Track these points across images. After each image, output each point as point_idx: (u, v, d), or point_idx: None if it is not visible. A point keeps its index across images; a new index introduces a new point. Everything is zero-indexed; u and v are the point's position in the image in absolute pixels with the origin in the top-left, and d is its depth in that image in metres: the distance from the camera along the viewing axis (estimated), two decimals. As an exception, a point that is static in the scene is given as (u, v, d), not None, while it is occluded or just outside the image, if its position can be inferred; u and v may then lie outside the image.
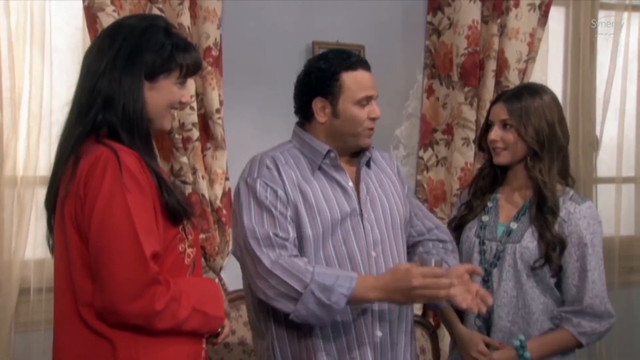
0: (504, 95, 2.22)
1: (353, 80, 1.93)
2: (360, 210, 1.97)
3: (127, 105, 1.65)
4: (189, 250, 1.73)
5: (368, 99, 1.95)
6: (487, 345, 2.15)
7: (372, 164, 2.07)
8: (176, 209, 1.67)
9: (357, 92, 1.93)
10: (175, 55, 1.69)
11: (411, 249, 2.14)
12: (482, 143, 2.28)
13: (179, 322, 1.63)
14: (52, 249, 1.72)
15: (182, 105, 1.76)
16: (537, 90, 2.20)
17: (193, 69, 1.75)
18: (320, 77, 1.94)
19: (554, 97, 2.21)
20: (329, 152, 1.97)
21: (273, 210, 1.89)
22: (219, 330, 1.77)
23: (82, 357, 1.63)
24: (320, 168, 1.98)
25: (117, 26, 1.74)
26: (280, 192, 1.91)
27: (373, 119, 1.96)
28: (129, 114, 1.65)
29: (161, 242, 1.64)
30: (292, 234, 1.89)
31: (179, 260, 1.70)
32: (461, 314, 2.26)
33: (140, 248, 1.56)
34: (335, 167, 1.99)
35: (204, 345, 1.76)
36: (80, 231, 1.60)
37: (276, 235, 1.86)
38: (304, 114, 2.00)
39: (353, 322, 1.94)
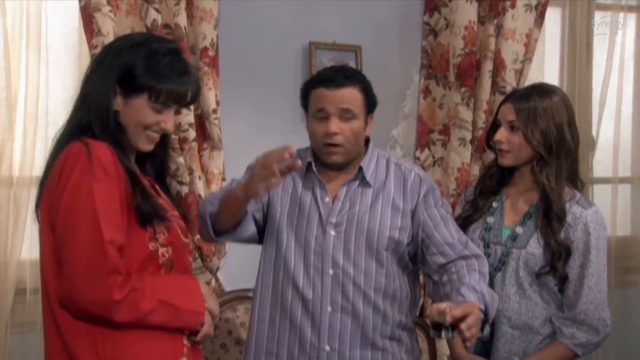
0: (513, 95, 2.18)
1: (313, 97, 2.00)
2: (325, 229, 2.00)
3: (95, 102, 1.69)
4: (162, 250, 1.71)
5: (322, 112, 1.97)
6: None
7: (372, 180, 2.04)
8: (145, 212, 1.67)
9: (313, 105, 2.00)
10: (146, 77, 1.67)
11: (440, 273, 2.01)
12: (490, 142, 2.24)
13: (141, 315, 1.62)
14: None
15: (162, 130, 1.74)
16: (547, 91, 2.15)
17: (171, 98, 1.70)
18: (301, 92, 2.07)
19: (564, 98, 2.16)
20: (309, 163, 2.05)
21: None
22: (199, 326, 1.74)
23: (55, 355, 1.66)
24: (307, 176, 2.05)
25: (120, 38, 1.80)
26: None
27: (327, 134, 1.96)
28: (97, 111, 1.68)
29: (125, 235, 1.64)
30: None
31: (151, 259, 1.69)
32: None
33: (100, 235, 1.57)
34: (316, 179, 2.04)
35: (185, 342, 1.73)
36: (52, 225, 1.62)
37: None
38: None
39: (300, 332, 1.97)
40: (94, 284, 1.57)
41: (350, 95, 1.97)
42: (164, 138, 1.81)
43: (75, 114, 1.72)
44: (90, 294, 1.57)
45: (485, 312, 1.87)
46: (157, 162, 1.86)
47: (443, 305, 1.75)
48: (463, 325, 1.73)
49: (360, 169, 2.03)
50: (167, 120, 1.72)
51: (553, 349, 2.12)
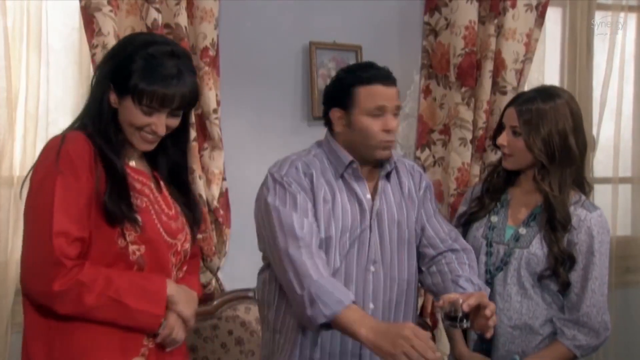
0: (517, 100, 2.16)
1: (366, 93, 1.95)
2: (370, 225, 2.00)
3: (91, 98, 1.75)
4: (133, 247, 1.71)
5: (380, 110, 1.96)
6: None
7: (392, 175, 2.08)
8: (110, 211, 1.67)
9: (368, 103, 1.95)
10: (132, 79, 1.68)
11: (428, 265, 2.09)
12: (495, 142, 2.23)
13: (85, 309, 1.63)
14: None
15: (153, 132, 1.73)
16: (552, 95, 2.12)
17: (156, 102, 1.69)
18: (338, 88, 1.99)
19: (569, 102, 2.12)
20: (351, 162, 2.00)
21: (298, 196, 1.92)
22: (159, 329, 1.72)
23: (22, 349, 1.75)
24: (342, 177, 2.01)
25: (125, 38, 1.87)
26: (305, 186, 1.95)
27: (387, 131, 1.96)
28: (91, 107, 1.74)
29: (87, 229, 1.66)
30: (313, 226, 1.91)
31: (121, 255, 1.70)
32: None
33: (49, 227, 1.60)
34: (356, 178, 2.02)
35: (145, 342, 1.72)
36: None
37: (300, 226, 1.88)
38: (326, 121, 2.06)
39: (341, 333, 1.94)
40: (37, 274, 1.62)
41: (397, 94, 2.02)
42: (178, 135, 1.82)
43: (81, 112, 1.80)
44: (33, 283, 1.64)
45: None
46: (170, 157, 1.86)
47: (454, 296, 1.80)
48: (487, 312, 1.78)
49: (395, 164, 2.07)
50: (158, 123, 1.72)
51: (553, 350, 2.12)
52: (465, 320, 1.78)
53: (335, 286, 1.83)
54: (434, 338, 2.88)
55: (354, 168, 2.01)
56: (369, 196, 2.02)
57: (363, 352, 1.96)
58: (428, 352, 1.63)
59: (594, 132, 3.45)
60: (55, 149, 1.66)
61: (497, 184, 2.24)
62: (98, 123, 1.72)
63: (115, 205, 1.67)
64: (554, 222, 2.09)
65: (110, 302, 1.64)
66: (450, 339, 2.29)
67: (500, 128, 2.20)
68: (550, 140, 2.07)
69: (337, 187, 2.00)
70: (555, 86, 2.29)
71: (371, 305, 1.97)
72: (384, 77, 1.98)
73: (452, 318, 1.78)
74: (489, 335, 1.84)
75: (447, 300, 1.80)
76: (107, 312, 1.65)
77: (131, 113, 1.71)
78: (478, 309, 1.81)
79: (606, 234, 2.13)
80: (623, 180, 3.61)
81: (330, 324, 1.80)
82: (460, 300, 1.78)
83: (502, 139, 2.15)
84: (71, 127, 1.77)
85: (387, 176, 2.07)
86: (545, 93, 2.14)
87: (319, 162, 2.02)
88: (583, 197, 2.16)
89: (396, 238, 2.03)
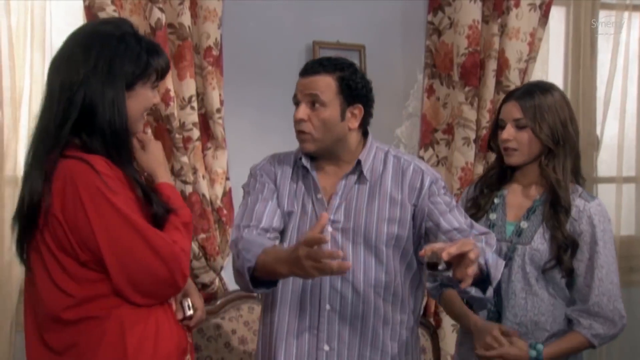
0: (515, 94, 2.17)
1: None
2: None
3: (113, 117, 1.66)
4: None
5: (294, 98, 1.97)
6: (503, 334, 2.08)
7: (368, 175, 1.99)
8: (160, 216, 1.72)
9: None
10: (151, 61, 1.72)
11: None
12: (491, 144, 2.23)
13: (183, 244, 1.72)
14: (27, 261, 1.73)
15: (154, 106, 1.83)
16: (548, 89, 2.16)
17: (165, 71, 1.79)
18: None
19: (563, 95, 2.19)
20: (300, 157, 2.01)
21: (259, 195, 1.99)
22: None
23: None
24: (297, 172, 2.02)
25: (89, 34, 1.71)
26: (272, 178, 2.03)
27: (295, 121, 1.95)
28: (114, 127, 1.66)
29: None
30: (268, 221, 1.96)
31: None
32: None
33: (148, 237, 1.64)
34: (308, 173, 2.01)
35: (189, 339, 1.80)
36: (64, 248, 1.64)
37: (246, 225, 1.95)
38: None
39: (298, 331, 1.95)
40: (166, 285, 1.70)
41: (321, 83, 1.92)
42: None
43: (60, 124, 1.65)
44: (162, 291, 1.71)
45: (488, 273, 1.85)
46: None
47: (438, 245, 1.72)
48: (472, 255, 1.67)
49: (359, 162, 1.98)
50: (157, 94, 1.84)
51: (571, 339, 2.12)
52: (446, 269, 1.72)
53: (258, 239, 1.89)
54: (437, 337, 2.88)
55: (303, 163, 2.00)
56: (320, 196, 1.97)
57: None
58: (323, 254, 1.63)
59: (598, 131, 3.45)
60: (88, 174, 1.61)
61: (492, 184, 2.25)
62: (125, 138, 1.70)
63: (161, 208, 1.73)
64: (557, 207, 2.11)
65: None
66: (459, 315, 2.22)
67: (496, 128, 2.20)
68: (555, 127, 2.11)
69: (296, 180, 2.01)
70: (544, 81, 2.34)
71: (327, 307, 1.93)
72: (305, 69, 1.97)
73: (433, 267, 1.73)
74: (463, 285, 1.73)
75: (430, 249, 1.72)
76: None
77: (146, 97, 1.74)
78: (462, 258, 1.70)
79: (607, 223, 2.14)
80: (627, 179, 3.60)
81: (262, 279, 1.84)
82: (441, 250, 1.70)
83: (507, 134, 2.14)
84: (60, 147, 1.65)
85: (360, 177, 1.98)
86: (542, 87, 2.18)
87: (287, 158, 2.05)
88: (580, 188, 2.18)
89: (362, 243, 1.95)
